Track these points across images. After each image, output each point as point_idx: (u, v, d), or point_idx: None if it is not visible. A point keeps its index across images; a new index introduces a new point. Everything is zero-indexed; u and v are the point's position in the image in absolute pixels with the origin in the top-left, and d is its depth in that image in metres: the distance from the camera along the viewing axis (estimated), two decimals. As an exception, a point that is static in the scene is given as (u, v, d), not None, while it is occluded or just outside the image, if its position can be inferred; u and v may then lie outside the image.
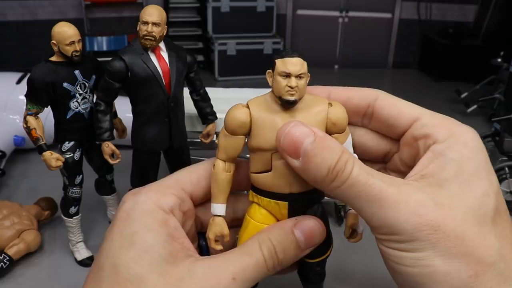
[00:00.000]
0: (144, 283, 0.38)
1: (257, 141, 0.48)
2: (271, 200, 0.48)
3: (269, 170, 0.48)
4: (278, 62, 0.49)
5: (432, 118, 0.44)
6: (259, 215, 0.49)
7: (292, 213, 0.49)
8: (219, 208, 0.49)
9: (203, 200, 0.50)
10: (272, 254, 0.43)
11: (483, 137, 2.54)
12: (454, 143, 0.40)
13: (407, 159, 0.46)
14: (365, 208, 0.39)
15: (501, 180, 2.18)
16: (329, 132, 0.50)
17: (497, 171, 2.18)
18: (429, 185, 0.39)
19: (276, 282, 0.61)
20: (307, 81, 0.49)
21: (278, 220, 0.48)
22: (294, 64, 0.48)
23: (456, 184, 0.38)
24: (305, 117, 0.48)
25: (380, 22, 4.84)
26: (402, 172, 0.47)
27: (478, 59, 4.19)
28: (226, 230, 0.48)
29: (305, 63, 0.48)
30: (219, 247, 0.48)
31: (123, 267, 0.39)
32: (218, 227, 0.48)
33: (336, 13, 4.81)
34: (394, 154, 0.49)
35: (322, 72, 4.67)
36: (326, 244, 0.54)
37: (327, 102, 0.50)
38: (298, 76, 0.47)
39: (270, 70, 0.49)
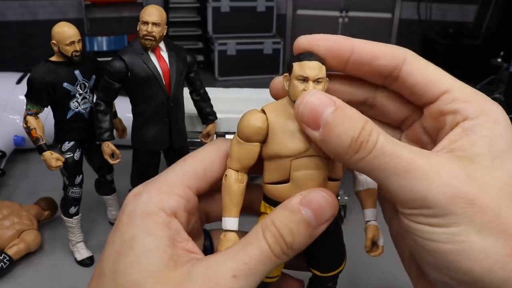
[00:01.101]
0: None
1: (274, 148, 0.44)
2: None
3: (286, 181, 0.44)
4: (296, 65, 0.45)
5: (462, 92, 0.40)
6: None
7: None
8: (231, 222, 0.44)
9: (209, 191, 0.47)
10: (278, 238, 0.39)
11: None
12: (485, 121, 0.38)
13: (431, 130, 0.43)
14: (392, 181, 0.35)
15: (501, 180, 2.17)
16: None
17: (497, 171, 2.18)
18: (460, 158, 0.36)
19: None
20: (325, 87, 0.45)
21: None
22: (312, 68, 0.44)
23: (488, 159, 0.36)
24: None
25: (380, 22, 4.84)
26: (423, 142, 0.44)
27: (478, 59, 4.19)
28: None
29: (323, 68, 0.45)
30: None
31: (122, 272, 0.38)
32: (230, 243, 0.44)
33: (336, 13, 4.81)
34: (414, 122, 0.45)
35: (322, 72, 4.66)
36: (340, 257, 0.51)
37: None
38: (316, 81, 0.44)
39: (287, 74, 0.46)
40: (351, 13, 4.81)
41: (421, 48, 4.86)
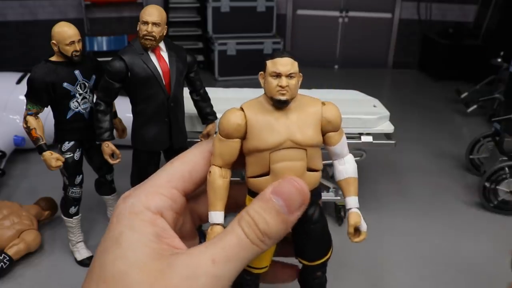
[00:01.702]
0: (127, 279, 0.40)
1: (253, 143, 0.47)
2: None
3: (267, 173, 0.47)
4: (269, 63, 0.49)
5: None
6: None
7: None
8: (217, 216, 0.48)
9: (196, 192, 0.50)
10: (252, 225, 0.42)
11: (483, 137, 2.55)
12: None
13: None
14: None
15: (501, 180, 2.18)
16: (324, 131, 0.50)
17: (497, 171, 2.18)
18: None
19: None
20: (300, 81, 0.49)
21: None
22: (284, 64, 0.48)
23: None
24: (300, 118, 0.48)
25: (380, 22, 4.84)
26: None
27: (478, 59, 4.19)
28: None
29: (295, 63, 0.48)
30: None
31: (109, 265, 0.41)
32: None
33: (336, 13, 4.81)
34: None
35: (322, 72, 4.67)
36: (325, 246, 0.53)
37: (320, 102, 0.50)
38: (289, 76, 0.47)
39: (262, 72, 0.49)
40: (351, 13, 4.81)
41: (421, 48, 4.87)
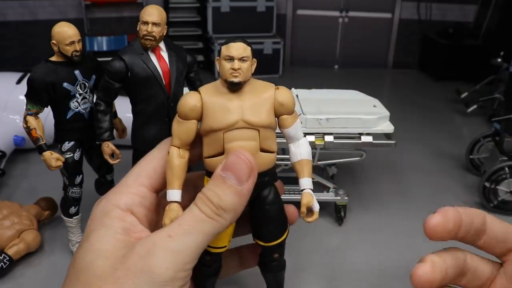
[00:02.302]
0: (93, 267, 0.42)
1: (208, 123, 0.50)
2: None
3: (222, 153, 0.50)
4: (223, 48, 0.52)
5: None
6: None
7: None
8: (174, 194, 0.50)
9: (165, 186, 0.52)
10: (205, 200, 0.43)
11: (483, 137, 2.55)
12: None
13: None
14: None
15: (501, 180, 2.18)
16: (278, 113, 0.52)
17: (497, 171, 2.18)
18: None
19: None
20: (253, 66, 0.51)
21: None
22: (237, 48, 0.51)
23: None
24: (254, 100, 0.51)
25: (380, 22, 4.84)
26: None
27: (478, 59, 4.19)
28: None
29: (248, 48, 0.52)
30: None
31: (79, 258, 0.44)
32: (173, 212, 0.49)
33: (336, 13, 4.82)
34: (494, 281, 0.49)
35: (322, 72, 4.67)
36: (281, 227, 0.55)
37: (274, 87, 0.53)
38: (241, 59, 0.50)
39: (218, 57, 0.52)
40: (351, 13, 4.81)
41: (421, 48, 4.87)
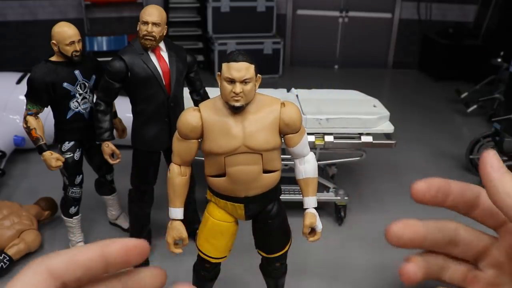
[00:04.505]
0: None
1: (209, 146, 0.49)
2: (228, 202, 0.48)
3: (224, 175, 0.48)
4: (224, 66, 0.49)
5: None
6: (218, 213, 0.50)
7: (248, 212, 0.49)
8: (176, 212, 0.49)
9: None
10: None
11: (483, 137, 2.55)
12: None
13: (509, 248, 0.47)
14: None
15: (501, 180, 2.17)
16: (283, 133, 0.50)
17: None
18: None
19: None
20: (258, 83, 0.48)
21: (235, 218, 0.48)
22: (238, 70, 0.48)
23: None
24: (257, 123, 0.49)
25: (380, 22, 4.84)
26: (500, 262, 0.47)
27: (478, 59, 4.19)
28: (184, 234, 0.48)
29: (251, 67, 0.48)
30: (178, 250, 0.48)
31: None
32: (176, 231, 0.48)
33: (336, 13, 4.81)
34: (489, 251, 0.50)
35: (322, 72, 4.67)
36: (283, 240, 0.55)
37: (280, 102, 0.51)
38: (243, 82, 0.47)
39: (219, 73, 0.49)
40: (351, 13, 4.81)
41: (421, 48, 4.87)
